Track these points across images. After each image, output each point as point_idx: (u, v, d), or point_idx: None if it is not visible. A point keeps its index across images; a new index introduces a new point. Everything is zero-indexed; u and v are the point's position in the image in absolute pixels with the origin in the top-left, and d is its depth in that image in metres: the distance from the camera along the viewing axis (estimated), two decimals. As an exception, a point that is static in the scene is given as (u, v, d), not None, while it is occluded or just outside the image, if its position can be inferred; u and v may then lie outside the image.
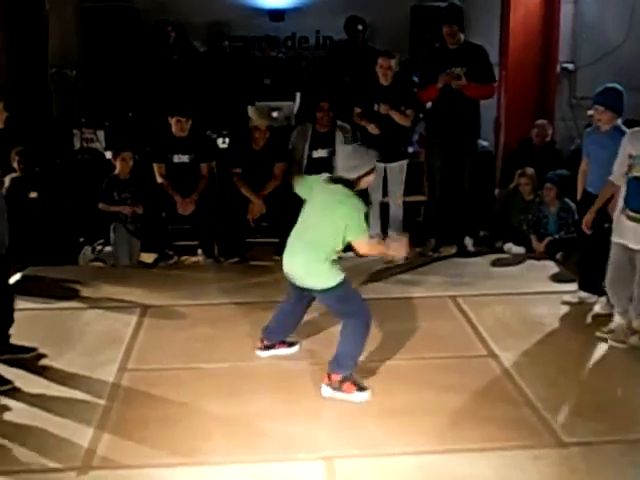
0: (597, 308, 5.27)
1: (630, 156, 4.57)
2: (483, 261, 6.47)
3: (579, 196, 5.43)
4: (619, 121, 5.03)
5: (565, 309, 5.38)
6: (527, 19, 7.60)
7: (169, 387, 4.30)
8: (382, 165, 6.23)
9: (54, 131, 7.74)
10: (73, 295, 5.71)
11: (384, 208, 6.67)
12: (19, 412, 4.05)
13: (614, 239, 4.72)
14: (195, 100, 7.49)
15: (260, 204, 6.48)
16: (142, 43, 8.34)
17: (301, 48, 9.10)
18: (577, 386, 4.31)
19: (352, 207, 4.06)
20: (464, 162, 6.51)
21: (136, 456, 3.66)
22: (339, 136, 6.67)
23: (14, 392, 4.22)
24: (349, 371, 4.20)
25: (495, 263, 6.44)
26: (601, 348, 4.75)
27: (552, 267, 6.27)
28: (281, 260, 6.41)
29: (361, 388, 4.21)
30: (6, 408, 4.08)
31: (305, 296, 4.42)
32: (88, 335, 5.01)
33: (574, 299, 5.45)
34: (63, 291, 5.77)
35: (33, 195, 6.53)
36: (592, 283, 5.39)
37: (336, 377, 4.18)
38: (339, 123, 6.72)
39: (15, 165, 6.48)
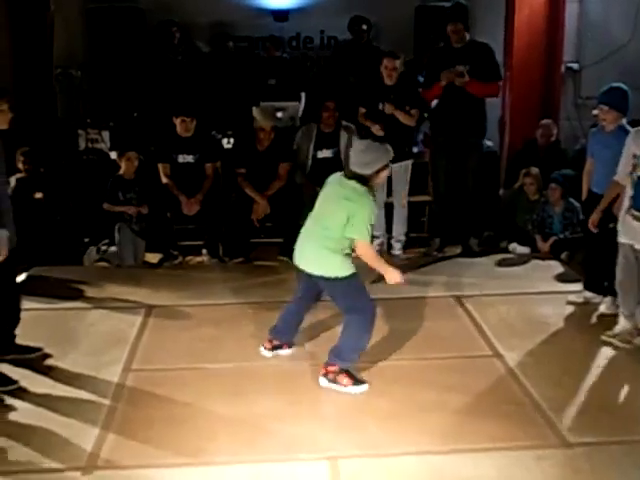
0: (602, 308, 5.26)
1: (635, 156, 4.55)
2: (488, 261, 6.46)
3: (584, 196, 5.42)
4: (624, 121, 5.02)
5: (570, 309, 5.37)
6: (532, 19, 7.58)
7: (174, 387, 4.31)
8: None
9: (59, 131, 7.76)
10: (78, 295, 5.72)
11: (388, 208, 6.67)
12: (24, 412, 4.06)
13: (621, 240, 4.71)
14: (200, 100, 7.49)
15: (264, 204, 6.48)
16: (147, 43, 8.35)
17: (306, 48, 9.10)
18: (582, 386, 4.31)
19: (358, 205, 4.04)
20: (469, 162, 6.50)
21: (141, 456, 3.67)
22: (344, 136, 6.67)
23: (19, 392, 4.23)
24: (348, 364, 4.22)
25: (500, 263, 6.44)
26: (606, 348, 4.75)
27: (557, 267, 6.26)
28: (285, 260, 6.49)
29: (358, 381, 4.23)
30: (12, 408, 4.10)
31: (313, 290, 4.42)
32: (93, 335, 5.02)
33: (579, 299, 5.44)
34: (68, 291, 5.78)
35: (38, 195, 6.55)
36: (597, 283, 5.38)
37: (333, 368, 4.21)
38: (344, 123, 6.72)
39: (20, 166, 6.50)
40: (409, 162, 6.57)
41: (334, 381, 4.22)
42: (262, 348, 4.70)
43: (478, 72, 6.20)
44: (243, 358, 4.66)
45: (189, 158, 6.65)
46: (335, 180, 4.26)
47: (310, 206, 6.24)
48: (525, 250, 6.69)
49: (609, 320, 5.01)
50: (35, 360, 4.60)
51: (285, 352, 4.70)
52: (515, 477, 3.51)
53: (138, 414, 4.04)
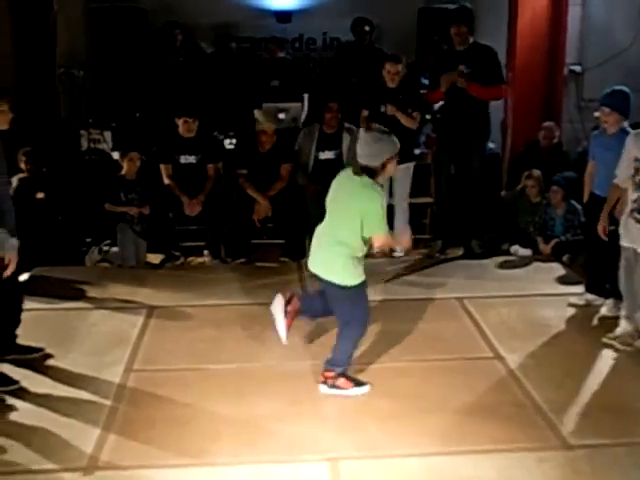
0: (604, 310, 5.25)
1: (637, 159, 4.54)
2: (489, 263, 6.45)
3: (585, 198, 5.42)
4: (626, 123, 5.01)
5: (571, 311, 5.37)
6: (534, 21, 7.58)
7: (175, 388, 4.31)
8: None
9: (61, 132, 7.77)
10: (80, 295, 5.73)
11: (390, 210, 6.66)
12: (25, 412, 4.06)
13: (623, 243, 4.70)
14: (202, 101, 7.50)
15: (266, 204, 6.49)
16: (149, 44, 8.35)
17: (308, 49, 9.11)
18: (583, 388, 4.30)
19: (369, 203, 3.98)
20: (471, 164, 6.50)
21: (142, 457, 3.67)
22: (346, 138, 6.67)
23: (21, 392, 4.24)
24: (342, 367, 4.23)
25: (501, 265, 6.43)
26: (607, 351, 4.74)
27: (558, 269, 6.26)
28: (287, 261, 6.50)
29: (359, 383, 4.23)
30: (13, 408, 4.10)
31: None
32: (94, 336, 5.02)
33: (580, 301, 5.44)
34: (70, 291, 5.79)
35: (40, 196, 6.55)
36: (599, 285, 5.38)
37: (329, 374, 4.21)
38: (346, 125, 6.73)
39: (22, 166, 6.50)
40: (411, 164, 6.58)
41: (334, 386, 4.22)
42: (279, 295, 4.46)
43: (481, 75, 6.20)
44: (245, 359, 4.67)
45: (191, 159, 6.66)
46: (343, 178, 4.18)
47: (312, 206, 6.26)
48: (527, 252, 6.69)
49: (610, 322, 5.00)
50: (36, 360, 4.60)
51: (282, 329, 4.35)
52: (516, 479, 3.51)
53: (139, 415, 4.04)
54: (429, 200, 7.10)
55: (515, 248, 6.77)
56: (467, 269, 6.30)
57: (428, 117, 7.31)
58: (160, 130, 7.11)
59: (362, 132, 4.12)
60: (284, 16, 8.89)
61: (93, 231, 6.99)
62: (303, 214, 6.49)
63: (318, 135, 6.71)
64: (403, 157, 6.43)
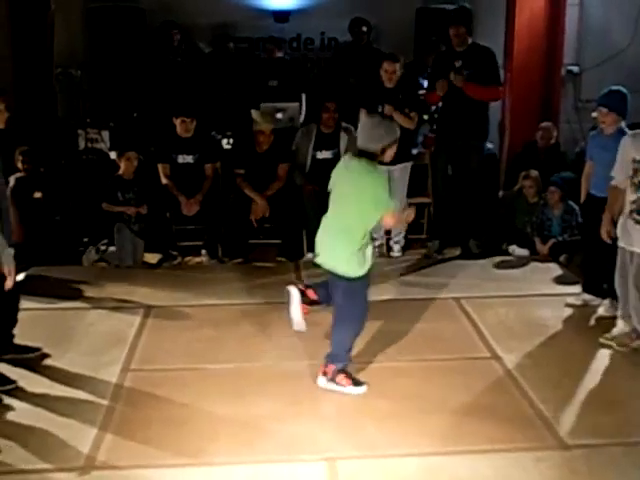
0: (601, 310, 5.26)
1: (635, 160, 4.54)
2: (487, 263, 6.46)
3: (583, 199, 5.42)
4: (623, 124, 5.02)
5: (569, 311, 5.37)
6: (532, 22, 7.59)
7: (173, 388, 4.31)
8: (385, 167, 6.23)
9: (59, 131, 7.77)
10: (77, 295, 5.72)
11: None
12: (22, 412, 4.05)
13: (620, 244, 4.69)
14: (200, 101, 7.50)
15: (263, 204, 6.49)
16: (147, 44, 8.35)
17: (306, 49, 9.11)
18: (580, 388, 4.31)
19: (370, 186, 3.99)
20: (469, 164, 6.51)
21: (139, 457, 3.67)
22: (344, 138, 6.67)
23: (17, 392, 4.23)
24: (342, 362, 4.23)
25: (499, 265, 6.44)
26: (604, 351, 4.75)
27: (556, 269, 6.27)
28: (284, 261, 6.50)
29: (357, 382, 4.24)
30: (9, 408, 4.09)
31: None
32: (92, 335, 5.02)
33: (578, 301, 5.45)
34: (67, 291, 5.78)
35: (37, 195, 6.54)
36: (596, 285, 5.38)
37: (331, 368, 4.22)
38: (344, 125, 6.73)
39: (20, 165, 6.49)
40: (408, 164, 6.58)
41: (333, 381, 4.23)
42: (292, 287, 4.44)
43: (478, 76, 6.20)
44: (243, 359, 4.66)
45: (189, 158, 6.65)
46: (342, 166, 4.22)
47: (310, 206, 6.26)
48: (524, 252, 6.69)
49: (607, 323, 5.01)
50: (33, 360, 4.60)
51: (298, 321, 4.36)
52: (513, 478, 3.51)
53: (137, 414, 4.04)
54: (426, 200, 7.10)
55: (512, 248, 6.77)
56: (465, 269, 6.30)
57: (426, 117, 7.31)
58: (158, 130, 7.10)
59: (363, 116, 4.15)
60: (282, 16, 8.89)
61: (90, 231, 6.98)
62: (300, 214, 6.49)
63: (316, 135, 6.71)
64: (400, 157, 6.45)
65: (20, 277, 5.27)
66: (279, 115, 7.31)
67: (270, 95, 7.72)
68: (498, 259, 6.55)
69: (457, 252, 6.71)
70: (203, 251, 6.65)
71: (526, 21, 7.57)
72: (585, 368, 4.56)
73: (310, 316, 4.93)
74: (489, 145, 7.60)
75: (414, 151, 7.06)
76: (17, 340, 4.60)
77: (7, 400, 4.16)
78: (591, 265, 5.44)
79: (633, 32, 8.15)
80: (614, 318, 4.95)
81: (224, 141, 7.54)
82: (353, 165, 4.08)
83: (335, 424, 3.97)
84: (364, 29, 8.17)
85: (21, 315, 4.62)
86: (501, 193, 7.54)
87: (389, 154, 4.14)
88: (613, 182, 4.73)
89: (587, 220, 5.49)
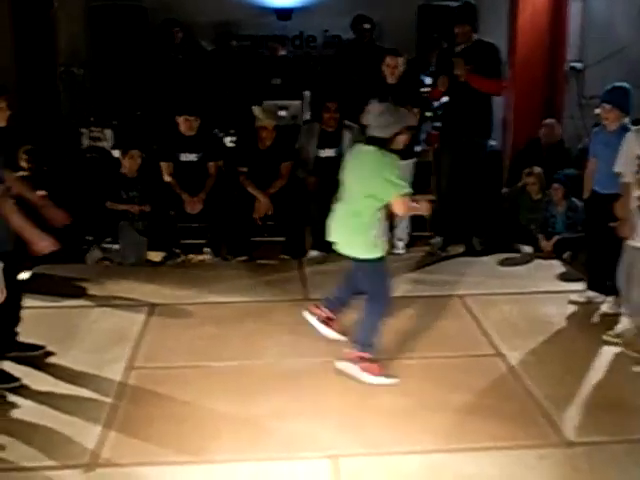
0: (605, 308, 5.26)
1: (639, 157, 4.54)
2: (490, 260, 6.45)
3: (586, 195, 5.41)
4: (627, 120, 5.01)
5: (572, 308, 5.37)
6: (535, 18, 7.58)
7: (176, 385, 4.31)
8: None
9: (62, 130, 7.77)
10: (81, 293, 5.73)
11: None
12: (27, 409, 4.06)
13: (629, 242, 4.67)
14: (203, 99, 7.50)
15: (266, 202, 6.49)
16: (150, 42, 8.36)
17: (309, 47, 9.11)
18: (584, 386, 4.30)
19: (383, 171, 4.02)
20: (473, 161, 6.50)
21: (143, 454, 3.67)
22: (346, 136, 6.67)
23: (22, 389, 4.24)
24: (369, 350, 4.25)
25: (502, 262, 6.43)
26: (608, 348, 4.74)
27: (559, 266, 6.26)
28: (288, 259, 6.50)
29: (383, 374, 4.26)
30: (14, 405, 4.10)
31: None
32: (95, 333, 5.03)
33: (582, 298, 5.44)
34: (71, 289, 5.79)
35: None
36: (600, 282, 5.37)
37: (361, 355, 4.25)
38: (347, 123, 6.73)
39: (23, 164, 6.49)
40: (411, 161, 6.57)
41: (357, 367, 4.25)
42: (308, 313, 4.64)
43: (481, 70, 6.20)
44: (245, 356, 4.67)
45: (192, 157, 6.66)
46: (354, 152, 4.26)
47: (313, 199, 6.25)
48: (528, 249, 6.68)
49: (611, 320, 5.00)
50: (38, 358, 4.61)
51: (330, 333, 4.60)
52: (516, 476, 3.51)
53: (140, 412, 4.05)
54: (430, 197, 7.08)
55: (516, 245, 6.76)
56: (468, 266, 6.30)
57: (429, 114, 7.30)
58: (161, 128, 7.11)
59: (373, 104, 4.15)
60: (284, 14, 8.90)
61: (94, 229, 6.98)
62: (303, 211, 6.49)
63: (318, 134, 6.71)
64: (404, 154, 6.46)
65: (24, 276, 5.29)
66: (282, 113, 7.32)
67: (273, 93, 7.72)
68: (502, 256, 6.54)
69: (461, 249, 6.70)
70: (206, 249, 6.65)
71: (529, 17, 7.56)
72: (588, 365, 4.55)
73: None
74: (492, 142, 7.59)
75: (417, 148, 7.05)
76: (21, 338, 4.61)
77: (11, 398, 4.17)
78: (595, 262, 5.43)
79: (637, 28, 8.10)
80: (618, 315, 4.94)
81: (227, 139, 7.54)
82: (364, 151, 4.14)
83: (338, 421, 3.96)
84: (366, 26, 8.17)
85: (25, 313, 4.62)
86: (504, 190, 7.52)
87: (401, 140, 4.16)
88: (624, 179, 4.68)
89: (590, 217, 5.48)
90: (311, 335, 4.85)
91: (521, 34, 7.57)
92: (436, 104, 7.25)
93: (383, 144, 4.08)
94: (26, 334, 4.64)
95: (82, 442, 3.74)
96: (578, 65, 8.34)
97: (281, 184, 6.61)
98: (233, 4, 8.66)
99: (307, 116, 7.78)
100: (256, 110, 6.73)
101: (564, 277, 6.02)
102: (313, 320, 4.64)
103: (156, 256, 6.55)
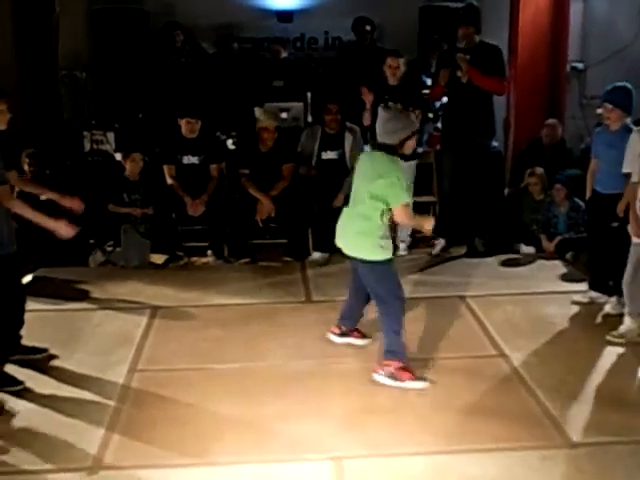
0: (607, 308, 5.25)
1: (640, 156, 4.55)
2: (493, 261, 6.45)
3: (588, 195, 5.41)
4: (629, 120, 5.00)
5: (575, 309, 5.36)
6: (536, 18, 7.56)
7: (179, 388, 4.31)
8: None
9: (64, 133, 7.79)
10: (83, 296, 5.74)
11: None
12: (30, 412, 4.07)
13: (637, 241, 4.66)
14: (205, 102, 7.51)
15: (268, 203, 6.49)
16: (152, 45, 8.37)
17: (310, 49, 9.11)
18: (587, 386, 4.30)
19: (391, 176, 4.05)
20: (475, 162, 6.50)
21: (146, 457, 3.67)
22: (348, 138, 6.68)
23: (25, 392, 4.25)
24: (401, 357, 4.24)
25: (505, 263, 6.42)
26: (611, 348, 4.73)
27: (562, 267, 6.25)
28: (290, 261, 6.50)
29: (417, 378, 4.24)
30: (17, 408, 4.10)
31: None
32: (98, 336, 5.03)
33: (584, 299, 5.43)
34: (74, 292, 5.80)
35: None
36: (602, 283, 5.37)
37: (395, 364, 4.22)
38: (348, 125, 6.73)
39: (25, 167, 6.50)
40: (413, 162, 6.56)
41: (392, 377, 4.22)
42: (330, 334, 4.74)
43: (483, 70, 6.20)
44: (248, 359, 4.67)
45: (194, 159, 6.67)
46: (365, 157, 4.29)
47: (314, 193, 6.23)
48: (530, 250, 6.68)
49: (614, 320, 5.00)
50: (41, 361, 4.61)
51: (357, 342, 4.73)
52: (520, 477, 3.50)
53: (143, 415, 4.05)
54: (432, 199, 7.09)
55: (518, 246, 6.76)
56: (471, 267, 6.30)
57: (430, 116, 7.30)
58: (163, 131, 7.12)
59: (380, 110, 4.18)
60: (285, 16, 8.90)
61: (97, 232, 6.99)
62: (306, 212, 6.49)
63: (320, 135, 6.71)
64: (405, 156, 6.45)
65: (27, 278, 5.30)
66: (283, 115, 7.32)
67: (275, 95, 7.72)
68: (504, 257, 6.53)
69: (463, 250, 6.70)
70: (209, 251, 6.65)
71: (530, 17, 7.54)
72: (592, 366, 4.54)
73: (316, 317, 4.97)
74: (494, 143, 7.59)
75: (419, 150, 7.04)
76: (24, 341, 4.62)
77: (15, 401, 4.17)
78: (597, 262, 5.43)
79: (638, 28, 8.13)
80: (621, 316, 4.93)
81: (229, 142, 7.55)
82: (375, 156, 4.17)
83: (341, 423, 3.96)
84: (368, 28, 8.17)
85: (28, 316, 4.62)
86: (507, 191, 7.52)
87: (409, 145, 4.20)
88: (634, 179, 4.68)
89: (592, 217, 5.48)
90: (314, 337, 4.87)
91: (522, 34, 7.56)
92: (437, 104, 7.25)
93: (393, 151, 4.11)
94: (29, 337, 4.65)
95: (85, 445, 3.74)
96: (579, 65, 8.35)
97: (283, 186, 6.61)
98: (234, 7, 8.66)
99: (310, 118, 7.78)
100: (257, 112, 6.73)
101: (567, 278, 6.01)
102: (336, 338, 4.72)
103: (159, 259, 6.56)
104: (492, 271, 6.23)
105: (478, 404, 4.12)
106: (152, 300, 5.60)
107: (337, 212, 6.52)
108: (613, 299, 5.21)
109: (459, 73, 6.23)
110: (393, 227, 4.26)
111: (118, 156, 7.23)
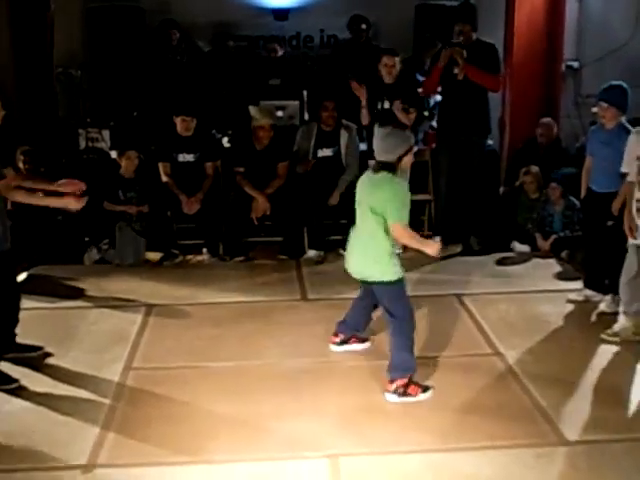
0: (602, 306, 5.26)
1: (639, 158, 4.55)
2: (488, 260, 6.46)
3: (583, 194, 5.42)
4: (624, 119, 5.02)
5: (570, 307, 5.37)
6: (532, 16, 7.56)
7: (174, 386, 4.31)
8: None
9: (60, 131, 7.77)
10: (79, 294, 5.73)
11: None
12: (25, 411, 4.06)
13: (633, 241, 4.67)
14: (200, 99, 7.50)
15: (264, 201, 6.48)
16: (147, 43, 8.35)
17: (306, 47, 9.10)
18: (582, 384, 4.31)
19: (391, 192, 4.04)
20: (471, 161, 6.51)
21: (141, 455, 3.67)
22: (344, 135, 6.68)
23: (20, 391, 4.24)
24: (410, 372, 4.18)
25: (500, 262, 6.43)
26: (606, 347, 4.75)
27: (557, 265, 6.26)
28: (285, 259, 6.50)
29: (425, 388, 4.20)
30: (12, 407, 4.10)
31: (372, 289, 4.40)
32: (94, 334, 5.02)
33: (579, 297, 5.44)
34: (69, 290, 5.79)
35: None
36: (597, 281, 5.38)
37: (401, 382, 4.14)
38: (344, 122, 6.73)
39: (21, 165, 6.49)
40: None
41: (403, 394, 4.14)
42: (330, 344, 4.71)
43: (479, 66, 6.22)
44: (244, 357, 4.67)
45: (189, 157, 6.66)
46: (364, 177, 4.28)
47: (312, 197, 6.20)
48: (525, 249, 6.69)
49: (609, 318, 5.01)
50: (36, 359, 4.61)
51: (356, 347, 4.70)
52: (515, 475, 3.51)
53: (138, 413, 4.05)
54: (427, 197, 7.10)
55: (514, 244, 6.77)
56: (466, 266, 6.30)
57: (426, 114, 7.31)
58: (158, 129, 7.10)
59: (376, 128, 4.18)
60: (281, 14, 8.89)
61: (92, 230, 6.98)
62: (301, 210, 6.49)
63: (316, 133, 6.71)
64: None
65: (22, 276, 5.29)
66: (279, 113, 7.31)
67: (270, 93, 7.72)
68: (499, 255, 6.54)
69: (458, 249, 6.70)
70: (204, 249, 6.65)
71: (526, 16, 7.54)
72: (586, 364, 4.55)
73: (311, 315, 4.96)
74: (489, 141, 7.60)
75: (415, 148, 7.04)
76: (19, 339, 4.61)
77: (10, 399, 4.16)
78: (592, 261, 5.44)
79: (633, 27, 8.13)
80: (616, 314, 4.95)
81: (224, 139, 7.54)
82: (376, 177, 4.13)
83: (337, 421, 3.96)
84: (363, 26, 8.17)
85: (23, 314, 4.62)
86: (502, 189, 7.53)
87: (406, 161, 4.18)
88: (630, 178, 4.69)
89: (587, 215, 5.49)
90: (310, 335, 4.87)
91: (518, 33, 7.56)
92: (432, 102, 7.26)
93: (392, 168, 4.09)
94: (24, 335, 4.64)
95: (80, 443, 3.74)
96: (575, 64, 8.36)
97: (278, 184, 6.61)
98: (230, 5, 8.64)
99: (306, 116, 7.77)
100: (252, 110, 6.72)
101: (562, 276, 6.02)
102: (336, 347, 4.69)
103: (154, 257, 6.55)
104: (487, 270, 6.24)
105: (473, 402, 4.13)
106: (147, 298, 5.60)
107: (332, 210, 6.57)
108: (608, 297, 5.22)
109: (455, 70, 6.23)
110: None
111: (113, 154, 7.22)
